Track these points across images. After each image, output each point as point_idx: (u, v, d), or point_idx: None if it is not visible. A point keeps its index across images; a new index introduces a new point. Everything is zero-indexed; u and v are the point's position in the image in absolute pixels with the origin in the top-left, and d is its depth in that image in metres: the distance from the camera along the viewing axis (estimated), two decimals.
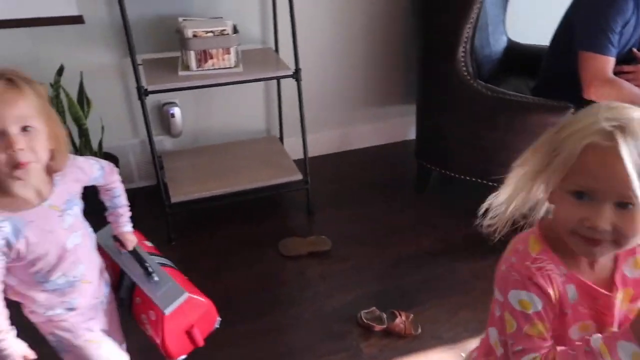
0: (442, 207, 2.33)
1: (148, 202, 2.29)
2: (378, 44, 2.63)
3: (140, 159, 2.44)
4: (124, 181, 1.27)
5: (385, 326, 1.69)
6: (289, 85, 2.30)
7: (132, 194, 1.36)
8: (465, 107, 2.06)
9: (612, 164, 0.64)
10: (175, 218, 2.14)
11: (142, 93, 1.87)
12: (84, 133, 2.08)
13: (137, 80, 1.88)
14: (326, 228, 2.19)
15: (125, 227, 1.29)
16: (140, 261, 1.28)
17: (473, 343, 1.64)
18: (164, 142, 2.45)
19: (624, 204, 0.66)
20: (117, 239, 1.29)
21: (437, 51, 2.08)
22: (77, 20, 2.03)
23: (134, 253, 1.30)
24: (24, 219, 0.98)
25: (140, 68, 1.94)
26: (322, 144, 2.76)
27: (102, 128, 2.15)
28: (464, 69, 1.98)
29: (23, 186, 0.98)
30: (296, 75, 2.06)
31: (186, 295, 1.25)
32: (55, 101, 1.95)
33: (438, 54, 2.07)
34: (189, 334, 1.27)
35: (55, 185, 1.04)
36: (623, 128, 0.64)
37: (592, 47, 1.80)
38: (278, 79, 2.32)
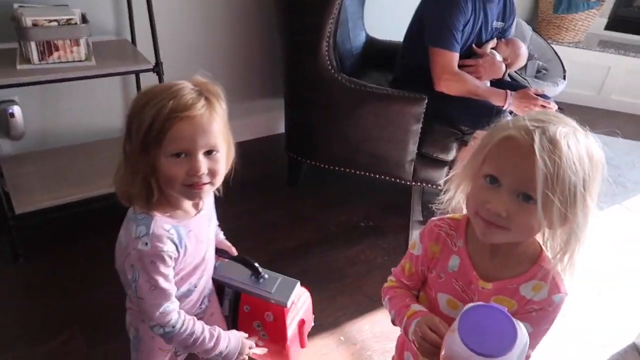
0: (314, 198, 2.39)
1: None
2: (242, 37, 2.59)
3: None
4: None
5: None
6: (149, 80, 2.15)
7: None
8: (330, 99, 2.12)
9: (523, 157, 0.68)
10: (22, 232, 1.88)
11: None
12: None
13: None
14: None
15: (222, 235, 1.26)
16: (247, 262, 1.22)
17: (353, 326, 1.72)
18: (2, 146, 2.14)
19: (527, 197, 0.69)
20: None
21: (301, 46, 2.11)
22: None
23: (239, 257, 1.24)
24: (186, 227, 0.95)
25: None
26: None
27: None
28: (328, 63, 2.03)
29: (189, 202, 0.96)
30: (157, 68, 1.93)
31: (297, 282, 1.21)
32: None
33: (302, 49, 2.10)
34: (300, 332, 1.25)
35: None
36: (543, 130, 0.68)
37: (439, 43, 1.97)
38: (137, 73, 2.15)
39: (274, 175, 2.54)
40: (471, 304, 0.69)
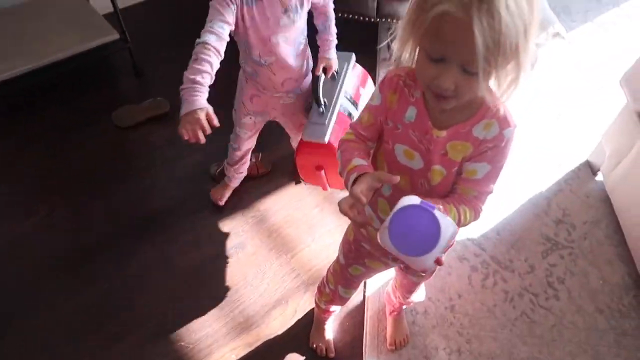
0: None
1: None
2: None
3: None
4: None
5: None
6: None
7: None
8: None
9: (463, 36, 0.64)
10: None
11: None
12: None
13: None
14: (162, 88, 2.04)
15: (329, 53, 1.40)
16: (316, 90, 1.38)
17: None
18: None
19: (468, 70, 0.69)
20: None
21: None
22: None
23: (327, 81, 1.42)
24: None
25: None
26: None
27: None
28: None
29: None
30: None
31: (323, 141, 1.37)
32: None
33: None
34: (318, 170, 1.44)
35: None
36: (481, 1, 0.63)
37: None
38: None
39: None
40: (404, 203, 0.73)
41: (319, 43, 1.39)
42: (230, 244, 1.60)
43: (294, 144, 1.56)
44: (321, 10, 1.31)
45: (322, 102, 1.40)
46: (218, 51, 1.08)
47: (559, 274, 1.57)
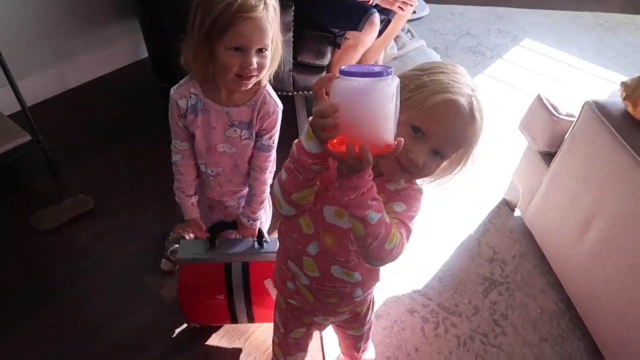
0: None
1: None
2: None
3: None
4: None
5: None
6: None
7: None
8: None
9: (464, 123, 0.77)
10: None
11: None
12: None
13: None
14: (82, 185, 1.96)
15: (249, 214, 1.36)
16: (260, 234, 1.34)
17: None
18: None
19: (437, 152, 0.79)
20: (233, 225, 1.36)
21: None
22: None
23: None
24: (206, 105, 1.16)
25: None
26: (39, 87, 2.35)
27: None
28: None
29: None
30: None
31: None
32: None
33: None
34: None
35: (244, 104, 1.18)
36: (476, 98, 0.78)
37: None
38: None
39: (147, 107, 2.37)
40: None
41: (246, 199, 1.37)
42: (180, 337, 1.52)
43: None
44: (256, 155, 1.27)
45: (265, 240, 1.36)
46: (188, 164, 1.29)
47: (501, 310, 1.66)
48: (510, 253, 1.85)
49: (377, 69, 0.66)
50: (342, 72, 0.66)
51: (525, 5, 3.61)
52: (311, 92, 2.16)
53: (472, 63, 2.94)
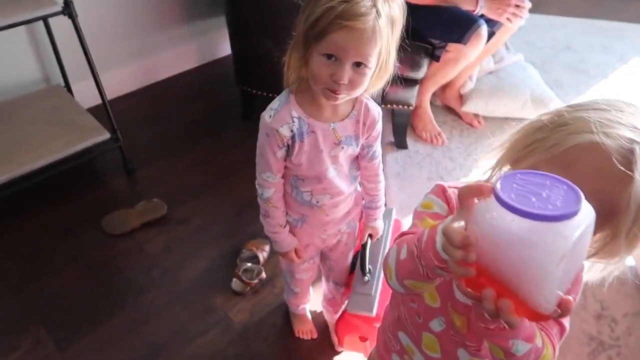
0: None
1: None
2: None
3: None
4: None
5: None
6: (60, 23, 1.76)
7: None
8: (282, 23, 1.83)
9: (611, 179, 0.55)
10: None
11: None
12: None
13: None
14: (155, 188, 1.89)
15: (376, 222, 1.25)
16: (364, 258, 1.32)
17: None
18: None
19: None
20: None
21: None
22: None
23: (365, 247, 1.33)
24: (310, 126, 0.98)
25: None
26: (121, 81, 2.32)
27: None
28: None
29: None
30: (68, 10, 1.57)
31: (371, 314, 1.27)
32: None
33: None
34: (362, 341, 1.35)
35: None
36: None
37: None
38: (43, 19, 1.74)
39: (225, 107, 2.30)
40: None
41: (363, 210, 1.24)
42: None
43: (327, 288, 1.43)
44: (369, 165, 1.13)
45: (368, 270, 1.31)
46: (281, 197, 1.10)
47: None
48: (621, 310, 1.60)
49: (557, 199, 0.44)
50: (497, 194, 0.45)
51: (634, 20, 3.25)
52: (400, 107, 1.99)
53: (573, 82, 2.66)
